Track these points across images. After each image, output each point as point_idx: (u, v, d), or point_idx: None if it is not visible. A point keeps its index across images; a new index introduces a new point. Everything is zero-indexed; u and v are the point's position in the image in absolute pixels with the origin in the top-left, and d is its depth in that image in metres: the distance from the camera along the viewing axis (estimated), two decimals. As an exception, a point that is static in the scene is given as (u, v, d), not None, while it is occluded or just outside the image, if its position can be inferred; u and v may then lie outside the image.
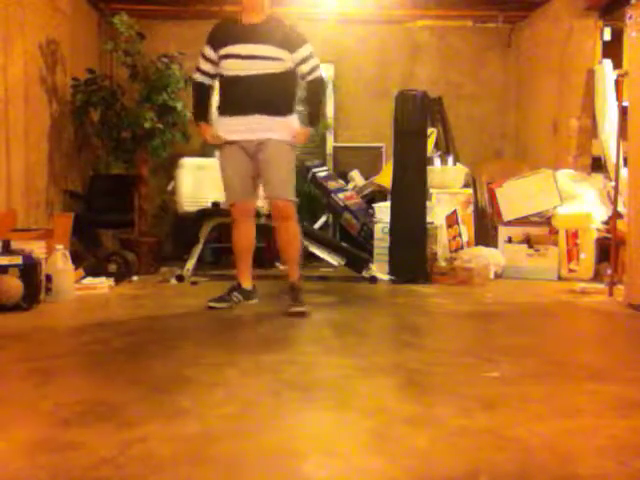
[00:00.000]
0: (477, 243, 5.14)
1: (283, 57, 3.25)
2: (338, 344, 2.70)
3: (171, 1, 6.19)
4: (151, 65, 5.10)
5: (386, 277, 4.62)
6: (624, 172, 3.96)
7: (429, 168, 4.97)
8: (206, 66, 3.39)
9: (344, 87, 6.59)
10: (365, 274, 4.63)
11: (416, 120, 4.75)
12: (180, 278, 4.52)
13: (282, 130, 3.27)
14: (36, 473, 1.33)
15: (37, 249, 3.55)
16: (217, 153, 3.69)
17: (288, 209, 3.32)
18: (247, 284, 3.47)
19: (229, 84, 3.30)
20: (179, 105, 5.21)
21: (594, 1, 5.40)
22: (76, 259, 4.03)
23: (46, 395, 1.87)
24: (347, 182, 6.05)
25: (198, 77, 3.44)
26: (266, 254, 5.42)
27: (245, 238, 3.43)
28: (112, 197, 5.39)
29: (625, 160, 3.92)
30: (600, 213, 4.87)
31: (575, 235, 4.83)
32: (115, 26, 5.01)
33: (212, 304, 3.34)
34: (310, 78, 3.35)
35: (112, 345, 2.55)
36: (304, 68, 3.31)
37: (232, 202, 3.40)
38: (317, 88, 3.40)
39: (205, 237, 4.74)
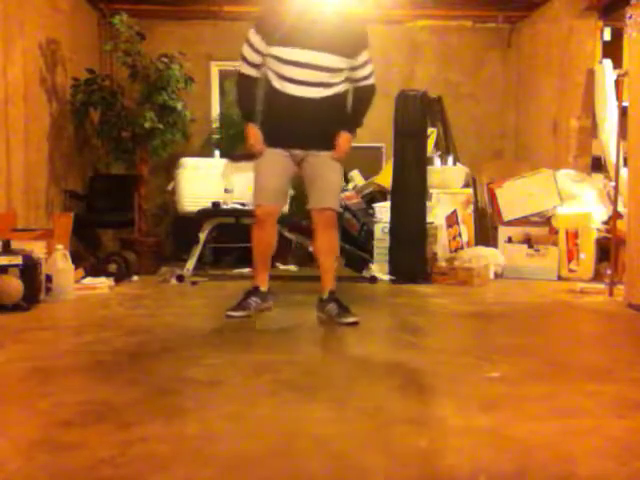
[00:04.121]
0: (477, 243, 5.14)
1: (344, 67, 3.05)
2: (338, 344, 2.70)
3: (171, 1, 6.20)
4: (151, 65, 5.10)
5: (386, 277, 4.62)
6: (624, 172, 3.95)
7: (429, 168, 4.98)
8: None
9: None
10: (365, 274, 4.63)
11: (416, 120, 4.76)
12: (180, 278, 4.52)
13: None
14: (36, 473, 1.33)
15: (37, 249, 3.55)
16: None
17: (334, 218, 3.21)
18: (264, 286, 3.23)
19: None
20: (179, 105, 5.21)
21: (594, 1, 5.40)
22: (76, 259, 4.03)
23: (46, 395, 1.87)
24: (347, 182, 6.05)
25: None
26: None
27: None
28: (112, 197, 5.40)
29: (625, 160, 3.92)
30: (600, 213, 4.88)
31: (575, 235, 4.83)
32: (115, 26, 5.02)
33: (231, 313, 3.08)
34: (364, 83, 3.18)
35: (112, 345, 2.55)
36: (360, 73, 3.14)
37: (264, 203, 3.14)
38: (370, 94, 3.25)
39: (205, 237, 4.75)
